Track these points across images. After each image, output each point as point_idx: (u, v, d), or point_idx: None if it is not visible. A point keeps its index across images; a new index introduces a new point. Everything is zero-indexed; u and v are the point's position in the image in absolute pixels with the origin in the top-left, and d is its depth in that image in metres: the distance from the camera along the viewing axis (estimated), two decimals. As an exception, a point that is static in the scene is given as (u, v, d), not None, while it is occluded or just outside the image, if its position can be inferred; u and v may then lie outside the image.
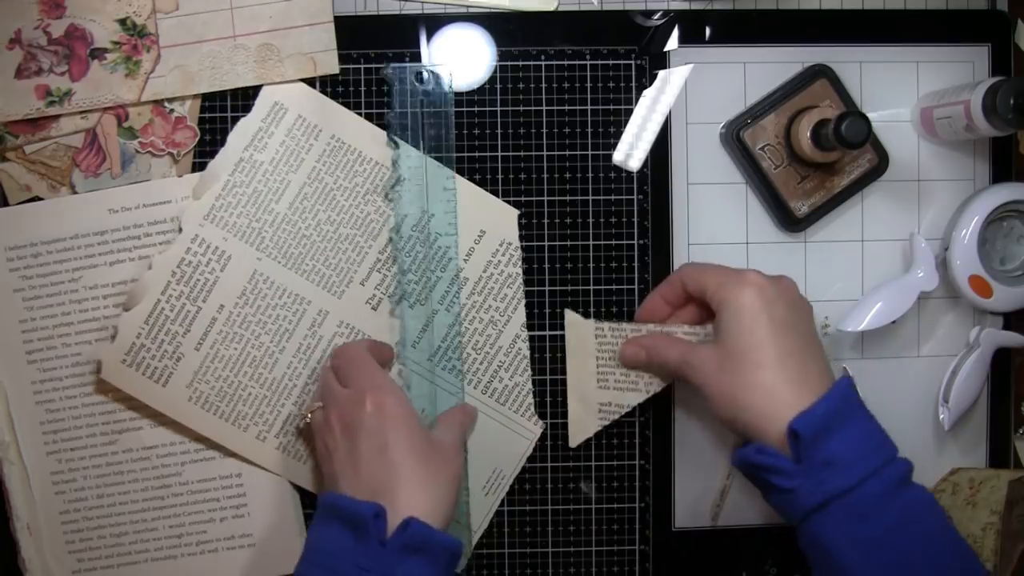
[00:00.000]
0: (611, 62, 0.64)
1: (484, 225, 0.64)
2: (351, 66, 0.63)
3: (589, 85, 0.64)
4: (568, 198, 0.64)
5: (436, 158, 0.63)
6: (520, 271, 0.64)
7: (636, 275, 0.65)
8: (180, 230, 0.61)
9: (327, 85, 0.63)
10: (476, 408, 0.64)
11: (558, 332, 0.64)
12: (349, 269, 0.63)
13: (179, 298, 0.61)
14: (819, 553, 0.51)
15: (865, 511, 0.50)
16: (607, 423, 0.64)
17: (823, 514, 0.50)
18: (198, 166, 0.63)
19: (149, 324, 0.61)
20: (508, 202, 0.64)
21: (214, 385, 0.62)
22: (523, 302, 0.64)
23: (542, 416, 0.65)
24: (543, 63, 0.64)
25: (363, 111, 0.63)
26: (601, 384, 0.64)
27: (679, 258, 0.65)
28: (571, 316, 0.64)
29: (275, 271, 0.62)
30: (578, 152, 0.64)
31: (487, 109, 0.64)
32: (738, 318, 0.54)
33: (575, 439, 0.65)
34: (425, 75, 0.61)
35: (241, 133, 0.62)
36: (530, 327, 0.64)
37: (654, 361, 0.60)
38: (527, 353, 0.64)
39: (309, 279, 0.63)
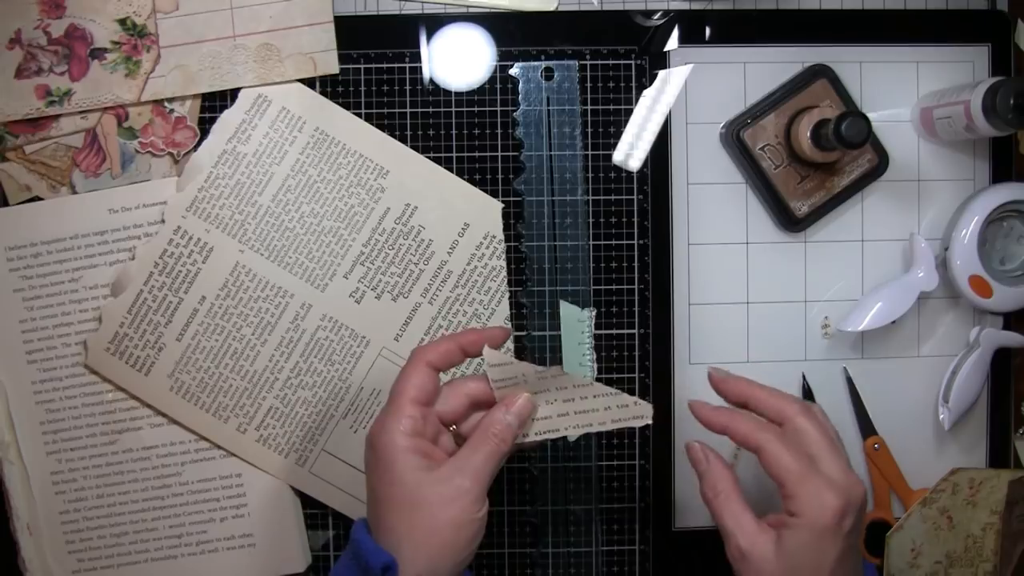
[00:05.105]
0: (611, 62, 0.64)
1: (468, 218, 0.64)
2: (351, 66, 0.63)
3: (589, 85, 0.64)
4: (567, 197, 0.64)
5: (562, 155, 0.63)
6: (504, 264, 0.64)
7: (636, 275, 0.65)
8: (163, 221, 0.61)
9: (327, 85, 0.63)
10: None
11: (557, 332, 0.64)
12: (332, 262, 0.63)
13: (161, 289, 0.62)
14: None
15: None
16: None
17: None
18: (198, 166, 0.63)
19: (132, 314, 0.61)
20: (507, 202, 0.64)
21: (195, 376, 0.62)
22: (507, 296, 0.64)
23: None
24: (543, 63, 0.64)
25: (363, 111, 0.63)
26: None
27: (679, 258, 0.65)
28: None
29: (258, 263, 0.62)
30: (578, 152, 0.64)
31: (487, 109, 0.64)
32: (819, 538, 0.49)
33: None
34: (556, 73, 0.61)
35: (224, 125, 0.62)
36: (529, 327, 0.64)
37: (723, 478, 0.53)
38: (511, 347, 0.64)
39: (292, 272, 0.63)
